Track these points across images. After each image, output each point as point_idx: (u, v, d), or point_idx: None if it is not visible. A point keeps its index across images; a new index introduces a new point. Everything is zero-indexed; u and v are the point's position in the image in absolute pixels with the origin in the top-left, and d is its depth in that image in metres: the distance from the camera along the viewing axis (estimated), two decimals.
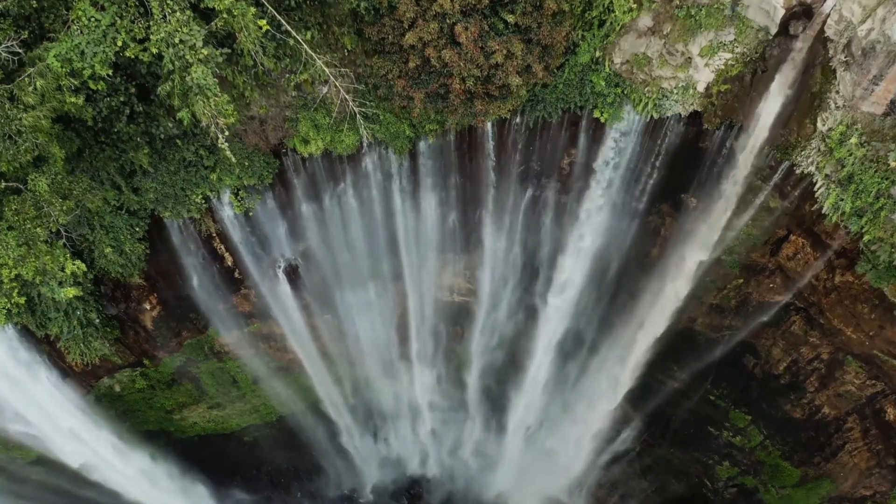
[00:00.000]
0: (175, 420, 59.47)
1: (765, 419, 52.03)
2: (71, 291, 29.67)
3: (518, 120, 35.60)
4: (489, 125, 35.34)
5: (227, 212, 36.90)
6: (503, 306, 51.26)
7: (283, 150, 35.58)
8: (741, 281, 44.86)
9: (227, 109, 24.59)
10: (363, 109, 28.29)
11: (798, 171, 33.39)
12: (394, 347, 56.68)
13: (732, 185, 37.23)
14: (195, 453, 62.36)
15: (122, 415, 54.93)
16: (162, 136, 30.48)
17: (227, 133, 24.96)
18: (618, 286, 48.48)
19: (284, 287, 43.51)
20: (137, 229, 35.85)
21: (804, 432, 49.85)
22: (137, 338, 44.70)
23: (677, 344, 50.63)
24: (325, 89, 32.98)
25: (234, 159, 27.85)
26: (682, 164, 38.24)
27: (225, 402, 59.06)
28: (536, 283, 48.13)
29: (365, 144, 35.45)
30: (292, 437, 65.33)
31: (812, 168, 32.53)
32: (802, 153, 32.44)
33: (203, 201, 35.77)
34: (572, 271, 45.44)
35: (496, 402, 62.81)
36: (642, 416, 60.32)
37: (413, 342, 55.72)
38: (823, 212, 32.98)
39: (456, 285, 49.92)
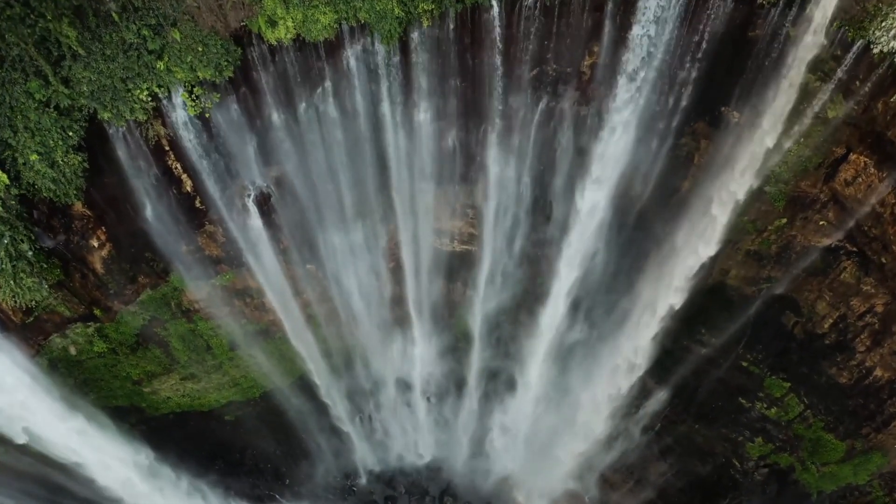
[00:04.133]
0: (146, 394, 53.54)
1: (806, 386, 46.59)
2: None
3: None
4: (496, 6, 29.09)
5: (181, 115, 30.69)
6: (510, 257, 45.26)
7: (247, 38, 29.30)
8: (784, 221, 39.19)
9: None
10: None
11: (875, 51, 27.38)
12: (386, 309, 50.53)
13: (786, 87, 31.16)
14: (171, 433, 56.22)
15: (84, 385, 48.90)
16: None
17: None
18: (641, 231, 42.24)
19: (256, 221, 37.29)
20: (71, 134, 29.64)
21: (852, 399, 44.43)
22: (85, 282, 38.43)
23: (706, 302, 45.22)
24: None
25: None
26: (725, 65, 32.57)
27: (199, 372, 53.15)
28: (549, 226, 41.89)
29: (345, 30, 29.18)
30: (278, 416, 59.55)
31: (894, 43, 26.29)
32: (882, 25, 26.49)
33: (149, 99, 29.58)
34: (590, 209, 39.20)
35: (502, 372, 56.63)
36: (664, 388, 54.14)
37: (409, 303, 49.57)
38: None
39: (456, 230, 43.74)
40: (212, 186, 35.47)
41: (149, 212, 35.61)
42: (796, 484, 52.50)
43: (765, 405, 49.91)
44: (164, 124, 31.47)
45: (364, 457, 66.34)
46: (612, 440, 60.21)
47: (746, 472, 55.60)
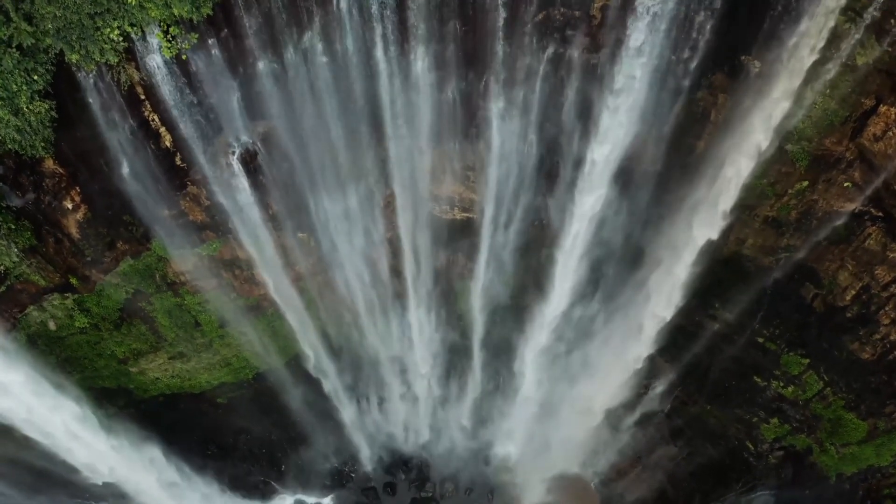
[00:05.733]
0: (133, 375, 51.43)
1: (825, 362, 44.40)
2: None
3: None
4: None
5: (156, 58, 28.21)
6: (513, 223, 42.70)
7: None
8: (806, 184, 36.48)
9: None
10: None
11: None
12: (383, 282, 48.19)
13: (813, 30, 28.73)
14: (160, 416, 54.00)
15: (66, 364, 46.61)
16: None
17: None
18: (652, 195, 39.81)
19: (242, 182, 34.82)
20: (36, 78, 27.23)
21: (874, 376, 42.26)
22: (60, 248, 36.03)
23: (721, 274, 43.01)
24: None
25: None
26: (747, 6, 29.64)
27: (189, 351, 50.95)
28: (555, 189, 39.40)
29: None
30: (273, 398, 57.51)
31: None
32: None
33: (121, 39, 27.07)
34: (600, 168, 36.73)
35: (505, 351, 54.26)
36: (675, 367, 51.91)
37: (407, 275, 47.15)
38: None
39: (456, 195, 41.34)
40: (193, 142, 33.02)
41: (125, 169, 33.11)
42: (813, 466, 50.40)
43: (781, 384, 47.80)
44: (137, 68, 28.98)
45: (362, 442, 64.05)
46: (619, 421, 58.06)
47: (760, 454, 53.60)
